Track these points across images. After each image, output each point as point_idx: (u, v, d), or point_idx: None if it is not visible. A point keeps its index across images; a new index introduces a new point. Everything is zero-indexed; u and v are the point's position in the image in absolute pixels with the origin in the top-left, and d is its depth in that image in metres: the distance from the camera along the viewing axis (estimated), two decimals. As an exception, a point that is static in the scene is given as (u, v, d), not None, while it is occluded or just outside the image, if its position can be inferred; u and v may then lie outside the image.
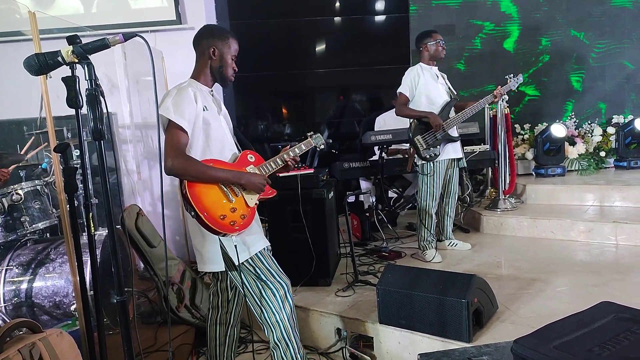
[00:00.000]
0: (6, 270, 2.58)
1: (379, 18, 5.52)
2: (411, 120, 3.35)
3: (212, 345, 2.17)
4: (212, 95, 2.04)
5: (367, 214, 4.13)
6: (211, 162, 1.90)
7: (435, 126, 3.25)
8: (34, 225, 2.69)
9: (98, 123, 1.20)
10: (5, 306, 2.50)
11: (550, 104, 5.36)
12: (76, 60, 1.20)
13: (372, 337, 2.44)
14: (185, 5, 4.22)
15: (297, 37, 5.46)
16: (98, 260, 1.83)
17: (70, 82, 1.44)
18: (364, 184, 4.88)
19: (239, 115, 5.30)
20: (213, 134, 1.95)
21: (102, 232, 2.73)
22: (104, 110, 1.27)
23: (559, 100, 5.36)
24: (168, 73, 3.92)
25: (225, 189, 1.88)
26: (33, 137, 3.14)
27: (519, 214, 4.08)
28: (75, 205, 1.90)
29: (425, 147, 3.30)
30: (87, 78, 1.22)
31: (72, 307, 2.48)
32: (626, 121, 5.14)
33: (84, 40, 1.33)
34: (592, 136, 5.19)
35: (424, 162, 3.34)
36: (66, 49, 1.20)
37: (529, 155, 5.06)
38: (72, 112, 1.38)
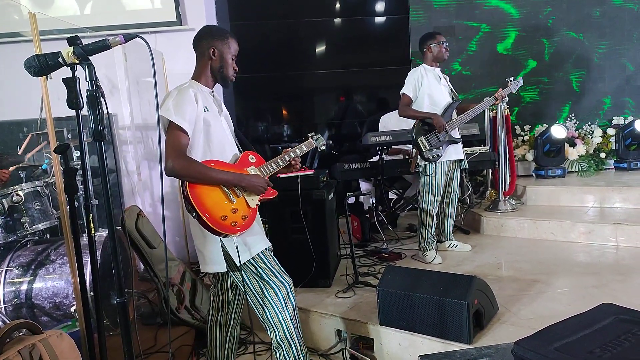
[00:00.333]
0: (6, 271, 2.58)
1: (379, 19, 5.53)
2: (414, 121, 3.36)
3: (212, 346, 2.17)
4: (213, 96, 2.05)
5: (367, 215, 4.13)
6: (212, 162, 1.90)
7: (439, 127, 3.25)
8: (34, 226, 2.69)
9: (98, 124, 1.20)
10: (5, 307, 2.50)
11: (549, 105, 5.36)
12: (77, 61, 1.20)
13: (373, 339, 2.44)
14: (185, 6, 4.23)
15: (297, 38, 5.47)
16: (98, 261, 1.82)
17: (70, 83, 1.44)
18: (364, 185, 4.87)
19: (239, 116, 5.30)
20: (214, 135, 1.95)
21: (102, 233, 2.73)
22: (105, 111, 1.26)
23: (558, 101, 5.37)
24: (168, 74, 3.92)
25: (226, 190, 1.88)
26: (30, 136, 3.12)
27: (519, 215, 4.08)
28: (76, 206, 1.90)
29: (428, 148, 3.30)
30: (88, 79, 1.22)
31: (72, 309, 2.47)
32: (626, 122, 5.15)
33: (84, 42, 1.34)
34: (592, 137, 5.19)
35: (426, 162, 3.35)
36: (67, 50, 1.20)
37: (529, 156, 5.06)
38: (73, 113, 1.38)
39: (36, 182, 2.79)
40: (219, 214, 1.83)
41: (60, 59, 1.21)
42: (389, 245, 3.85)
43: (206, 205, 1.82)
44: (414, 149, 3.49)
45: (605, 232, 3.59)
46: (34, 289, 2.55)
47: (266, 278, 1.97)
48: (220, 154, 1.97)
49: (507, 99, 3.92)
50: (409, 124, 3.46)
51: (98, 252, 2.54)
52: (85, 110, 1.58)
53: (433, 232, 3.45)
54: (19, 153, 3.13)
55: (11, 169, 2.82)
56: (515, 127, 5.22)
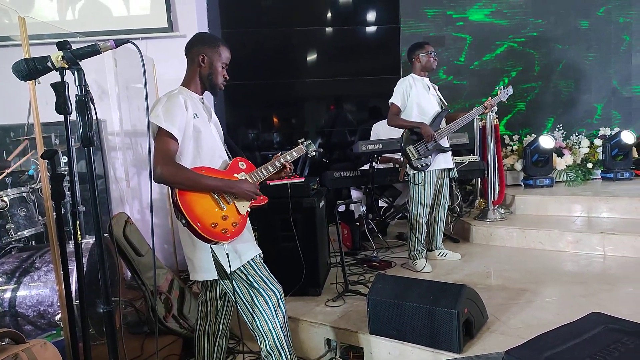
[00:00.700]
0: (-11, 278, 2.52)
1: (370, 29, 5.57)
2: (403, 130, 3.37)
3: (200, 356, 2.14)
4: (203, 103, 2.04)
5: (358, 223, 4.12)
6: (203, 169, 1.89)
7: (427, 137, 3.27)
8: (19, 233, 2.65)
9: (87, 129, 1.18)
10: (-13, 316, 2.45)
11: (537, 115, 5.43)
12: (66, 66, 1.19)
13: (362, 348, 2.42)
14: (177, 13, 4.22)
15: (289, 46, 5.48)
16: (84, 268, 1.79)
17: (59, 88, 1.42)
18: (355, 193, 4.87)
19: (229, 123, 5.28)
20: (204, 142, 1.94)
21: (88, 241, 2.69)
22: (94, 117, 1.25)
23: (546, 112, 5.44)
24: (159, 80, 3.90)
25: (216, 197, 1.87)
26: (25, 143, 3.07)
27: (508, 224, 4.10)
28: (62, 212, 1.87)
29: (416, 157, 3.31)
30: (77, 84, 1.20)
31: (57, 317, 2.43)
32: (613, 133, 5.22)
33: (74, 47, 1.32)
34: (579, 148, 5.26)
35: (415, 171, 3.35)
36: (56, 54, 1.18)
37: (518, 166, 5.11)
38: (60, 118, 1.36)
39: (22, 188, 2.75)
40: (209, 221, 1.81)
41: (49, 63, 1.19)
42: (379, 254, 3.85)
43: (196, 212, 1.80)
44: (402, 158, 3.50)
45: (593, 242, 3.62)
46: (18, 296, 2.49)
47: (256, 286, 1.95)
48: (210, 160, 1.95)
49: (496, 108, 3.96)
50: (400, 132, 3.47)
51: (84, 260, 2.50)
52: (73, 116, 1.57)
53: (423, 241, 3.45)
54: (8, 159, 3.08)
55: (1, 175, 2.77)
56: (504, 136, 5.27)
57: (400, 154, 4.03)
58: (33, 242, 2.96)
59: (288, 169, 2.14)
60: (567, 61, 5.38)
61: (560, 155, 5.14)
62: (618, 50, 5.37)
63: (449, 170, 3.52)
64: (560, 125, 5.35)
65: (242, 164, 2.06)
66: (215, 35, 2.08)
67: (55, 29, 3.56)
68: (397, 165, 4.20)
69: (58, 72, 1.38)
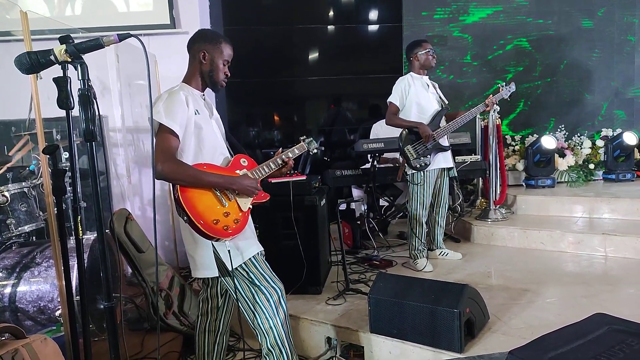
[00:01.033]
0: (-10, 273, 2.52)
1: (372, 27, 5.56)
2: (402, 129, 3.36)
3: (200, 353, 2.13)
4: (204, 100, 2.03)
5: (359, 222, 4.11)
6: (204, 165, 1.88)
7: (425, 137, 3.24)
8: (19, 228, 2.64)
9: (90, 124, 1.17)
10: (-13, 311, 2.44)
11: (539, 116, 5.42)
12: (69, 60, 1.18)
13: (363, 347, 2.42)
14: (179, 9, 4.21)
15: (291, 44, 5.47)
16: (85, 264, 1.79)
17: (61, 83, 1.41)
18: (356, 192, 4.86)
19: (230, 121, 5.28)
20: (205, 138, 1.93)
21: (89, 237, 2.69)
22: (96, 112, 1.24)
23: (548, 112, 5.42)
24: (161, 77, 3.89)
25: (218, 194, 1.86)
26: (26, 138, 3.07)
27: (509, 224, 4.09)
28: (63, 208, 1.87)
29: (415, 156, 3.30)
30: (80, 78, 1.19)
31: (57, 313, 2.42)
32: (615, 134, 5.21)
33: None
34: (581, 149, 5.24)
35: (414, 171, 3.34)
36: (59, 48, 1.17)
37: (520, 166, 5.09)
38: (62, 113, 1.35)
39: (23, 183, 2.73)
40: (211, 218, 1.80)
41: (52, 57, 1.18)
42: (380, 253, 3.84)
43: (198, 208, 1.80)
44: (401, 158, 3.48)
45: (594, 243, 3.61)
46: (18, 292, 2.49)
47: (258, 283, 1.94)
48: (211, 157, 1.95)
49: (498, 107, 3.94)
50: (398, 131, 3.44)
51: (85, 256, 2.50)
52: (75, 111, 1.56)
53: (423, 240, 3.44)
54: (9, 153, 3.07)
55: (2, 170, 2.76)
56: (506, 137, 5.26)
57: (398, 153, 4.02)
58: (33, 237, 2.95)
59: (289, 166, 2.13)
60: (569, 61, 5.36)
61: (562, 155, 5.13)
62: (621, 51, 5.35)
63: (449, 169, 3.50)
64: (563, 125, 5.34)
65: (244, 161, 2.05)
66: (217, 32, 2.06)
67: (56, 24, 3.54)
68: (397, 164, 4.19)
69: (60, 67, 1.38)
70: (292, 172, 2.61)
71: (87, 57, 1.31)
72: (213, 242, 1.86)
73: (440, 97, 3.49)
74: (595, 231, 3.70)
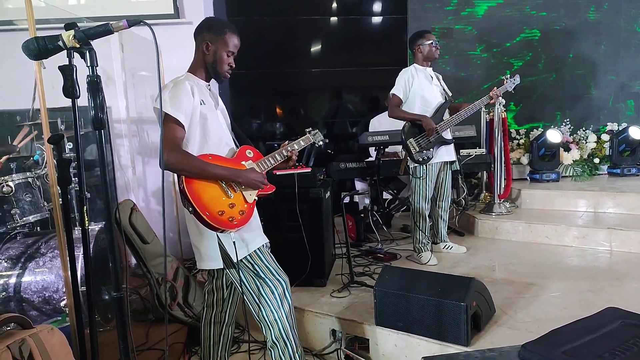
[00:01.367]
0: (-6, 264, 2.51)
1: (376, 19, 5.51)
2: (405, 122, 3.33)
3: (205, 344, 2.13)
4: (210, 90, 2.01)
5: (362, 215, 4.10)
6: (209, 156, 1.86)
7: (429, 130, 3.21)
8: (24, 219, 2.63)
9: (99, 112, 1.15)
10: (-7, 301, 2.44)
11: (544, 109, 5.38)
12: (77, 46, 1.15)
13: (368, 339, 2.41)
14: (183, -1, 4.17)
15: (294, 35, 5.44)
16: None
17: (67, 71, 1.39)
18: (359, 185, 4.85)
19: (233, 112, 5.25)
20: (210, 129, 1.91)
21: (94, 227, 2.68)
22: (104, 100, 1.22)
23: (553, 106, 5.39)
24: (165, 68, 3.84)
25: (223, 185, 1.85)
26: (27, 128, 3.05)
27: (514, 218, 4.08)
28: (68, 198, 1.85)
29: (418, 149, 3.27)
30: (89, 64, 1.17)
31: (62, 303, 2.42)
32: (620, 129, 5.18)
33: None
34: (586, 143, 5.22)
35: (416, 164, 3.31)
36: (67, 34, 1.15)
37: (524, 160, 5.07)
38: (66, 103, 1.33)
39: (27, 173, 2.72)
40: (216, 209, 1.79)
41: (60, 42, 1.16)
42: (384, 246, 3.83)
43: (203, 200, 1.78)
44: (403, 151, 3.45)
45: (599, 237, 3.60)
46: (23, 282, 2.49)
47: (262, 275, 1.93)
48: (216, 148, 1.93)
49: (503, 100, 3.92)
50: (400, 125, 3.41)
51: (90, 246, 2.49)
52: (80, 100, 1.54)
53: (427, 234, 3.42)
54: (15, 143, 3.05)
55: (3, 159, 2.75)
56: (510, 130, 5.23)
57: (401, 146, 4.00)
58: (38, 227, 2.95)
59: (294, 157, 2.11)
60: (575, 54, 5.31)
61: (567, 149, 5.11)
62: (628, 44, 5.30)
63: (451, 163, 3.48)
64: (568, 119, 5.30)
65: (250, 152, 2.04)
66: (223, 21, 2.01)
67: (61, 13, 3.51)
68: (398, 158, 4.17)
69: (66, 55, 1.36)
70: (296, 164, 2.60)
71: (91, 47, 1.29)
72: (218, 233, 1.85)
73: (444, 89, 3.45)
74: (601, 226, 3.69)
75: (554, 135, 4.76)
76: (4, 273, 2.50)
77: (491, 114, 4.31)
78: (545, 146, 4.84)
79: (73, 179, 2.64)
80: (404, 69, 3.41)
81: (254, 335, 2.64)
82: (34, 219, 2.69)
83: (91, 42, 1.15)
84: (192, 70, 1.96)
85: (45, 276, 2.49)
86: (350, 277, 2.96)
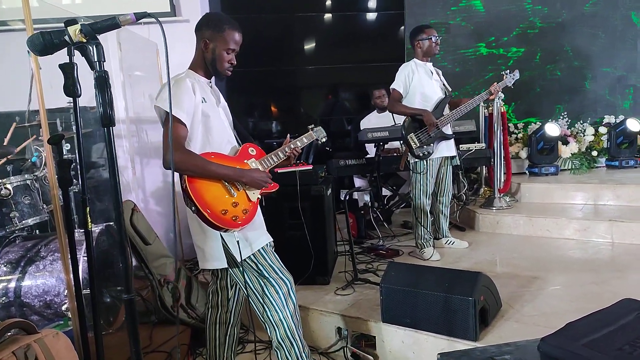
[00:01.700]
0: (-6, 268, 2.47)
1: (372, 15, 5.49)
2: (405, 117, 3.32)
3: (211, 345, 2.10)
4: (211, 87, 1.98)
5: (363, 212, 4.09)
6: (212, 155, 1.84)
7: (429, 125, 3.20)
8: (23, 222, 2.58)
9: (108, 108, 1.12)
10: (-7, 306, 2.40)
11: (542, 103, 5.38)
12: (84, 40, 1.12)
13: (375, 336, 2.40)
14: (179, -4, 4.13)
15: (289, 33, 5.40)
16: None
17: (68, 70, 1.36)
18: (358, 182, 4.84)
19: (230, 110, 5.21)
20: (212, 127, 1.89)
21: (94, 229, 2.64)
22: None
23: (551, 99, 5.39)
24: (162, 66, 3.81)
25: (226, 184, 1.83)
26: (14, 125, 2.96)
27: (514, 212, 4.08)
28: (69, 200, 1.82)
29: (418, 145, 3.26)
30: (96, 59, 1.14)
31: (64, 307, 2.38)
32: (618, 121, 5.19)
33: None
34: (584, 136, 5.23)
35: (417, 160, 3.30)
36: (74, 28, 1.11)
37: (523, 154, 5.07)
38: (63, 104, 1.31)
39: (25, 175, 2.67)
40: (219, 208, 1.76)
41: (66, 37, 1.12)
42: (385, 242, 3.82)
43: (206, 199, 1.76)
44: (403, 146, 3.44)
45: (600, 229, 3.60)
46: (23, 286, 2.44)
47: (266, 275, 1.91)
48: (219, 146, 1.90)
49: (502, 95, 3.92)
50: (389, 123, 3.38)
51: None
52: (81, 100, 1.51)
53: (429, 229, 3.41)
54: (4, 144, 2.99)
55: (1, 162, 2.70)
56: (509, 124, 5.23)
57: (401, 141, 3.98)
58: (37, 230, 2.91)
59: (296, 153, 2.09)
60: (572, 48, 5.32)
61: (566, 143, 5.11)
62: (624, 37, 5.31)
63: (452, 158, 3.47)
64: (565, 113, 5.31)
65: (252, 150, 2.01)
66: (223, 18, 1.95)
67: (58, 12, 3.45)
68: (396, 154, 4.16)
69: (67, 52, 1.33)
70: (297, 161, 2.57)
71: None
72: (222, 233, 1.82)
73: (444, 84, 3.44)
74: (601, 218, 3.70)
75: (552, 129, 4.76)
76: (3, 277, 2.46)
77: (490, 108, 4.30)
78: (544, 140, 4.84)
79: (73, 180, 2.60)
80: (404, 64, 3.39)
81: (258, 335, 2.61)
82: (33, 222, 2.64)
83: (98, 37, 1.12)
84: (193, 67, 1.93)
85: (45, 280, 2.45)
86: (354, 275, 2.95)
